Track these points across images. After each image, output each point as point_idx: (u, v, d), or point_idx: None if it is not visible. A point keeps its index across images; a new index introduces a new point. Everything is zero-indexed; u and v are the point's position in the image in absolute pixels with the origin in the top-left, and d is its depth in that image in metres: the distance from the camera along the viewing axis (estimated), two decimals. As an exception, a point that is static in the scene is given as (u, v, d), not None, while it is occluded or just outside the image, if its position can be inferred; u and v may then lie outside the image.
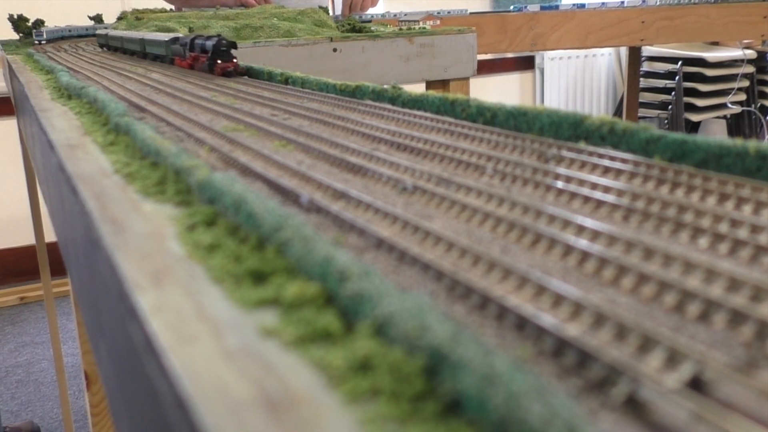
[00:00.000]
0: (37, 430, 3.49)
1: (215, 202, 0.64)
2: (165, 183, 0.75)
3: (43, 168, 1.32)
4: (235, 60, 1.68)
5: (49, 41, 3.79)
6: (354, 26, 3.29)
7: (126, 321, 0.49)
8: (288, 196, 0.71)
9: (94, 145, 1.00)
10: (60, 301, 4.09)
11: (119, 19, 3.76)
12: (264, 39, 2.80)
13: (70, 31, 4.31)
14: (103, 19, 4.38)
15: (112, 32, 3.09)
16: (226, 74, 1.65)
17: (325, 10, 3.54)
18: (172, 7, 4.20)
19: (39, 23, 4.01)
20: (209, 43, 1.69)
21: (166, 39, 2.09)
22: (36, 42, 3.62)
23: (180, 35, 2.04)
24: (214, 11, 3.55)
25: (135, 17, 3.61)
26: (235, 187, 0.62)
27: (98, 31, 3.40)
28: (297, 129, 1.04)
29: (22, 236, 4.97)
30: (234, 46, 1.68)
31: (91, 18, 4.39)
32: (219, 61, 1.66)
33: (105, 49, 3.14)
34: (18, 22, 4.01)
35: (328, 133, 1.00)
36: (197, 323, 0.45)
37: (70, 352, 3.88)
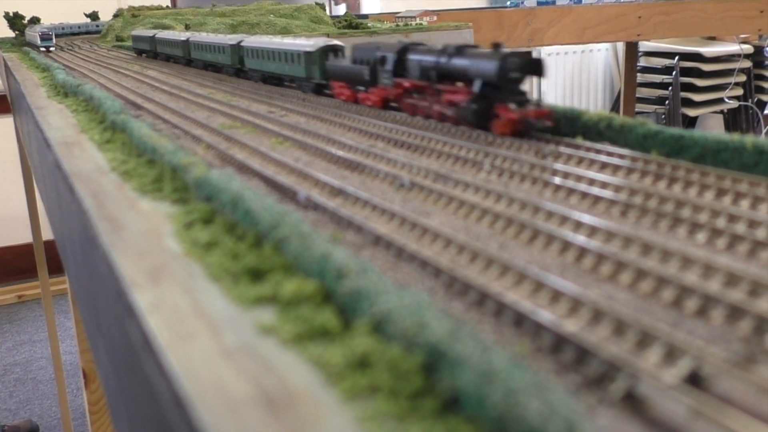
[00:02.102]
0: (35, 428, 3.49)
1: (212, 199, 0.64)
2: (162, 181, 0.75)
3: (40, 166, 1.32)
4: (539, 105, 0.85)
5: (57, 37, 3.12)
6: (351, 22, 3.29)
7: (124, 319, 0.49)
8: (285, 193, 0.71)
9: (91, 142, 1.00)
10: (58, 299, 4.09)
11: (115, 16, 3.75)
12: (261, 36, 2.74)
13: (79, 27, 4.27)
14: (99, 16, 4.38)
15: (162, 35, 2.38)
16: (519, 131, 0.83)
17: (322, 6, 3.54)
18: (169, 3, 4.20)
19: (35, 20, 4.01)
20: (481, 66, 0.87)
21: (311, 49, 1.31)
22: (43, 49, 2.91)
23: (337, 43, 1.31)
24: (211, 8, 3.54)
25: (132, 14, 3.61)
26: (233, 185, 0.62)
27: (134, 33, 2.75)
28: (294, 126, 1.04)
29: (19, 234, 4.97)
30: (537, 68, 0.86)
31: (87, 15, 4.39)
32: (507, 106, 0.84)
33: (144, 55, 2.56)
34: (14, 20, 4.00)
35: (326, 130, 1.00)
36: (195, 321, 0.44)
37: (68, 351, 3.88)
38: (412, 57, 1.02)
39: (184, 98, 1.41)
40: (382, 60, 1.07)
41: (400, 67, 1.04)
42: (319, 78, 1.30)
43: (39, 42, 2.92)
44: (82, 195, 0.74)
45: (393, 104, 1.09)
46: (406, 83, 1.01)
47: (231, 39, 1.73)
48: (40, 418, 3.65)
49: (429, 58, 0.97)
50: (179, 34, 2.21)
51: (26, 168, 3.10)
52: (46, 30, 2.98)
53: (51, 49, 2.91)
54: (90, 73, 2.00)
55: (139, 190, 0.74)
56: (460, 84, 0.94)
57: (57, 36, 3.54)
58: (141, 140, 0.87)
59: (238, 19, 3.30)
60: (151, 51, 2.47)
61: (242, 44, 1.66)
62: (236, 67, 1.72)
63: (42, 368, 4.13)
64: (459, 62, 0.92)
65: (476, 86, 0.87)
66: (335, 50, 1.29)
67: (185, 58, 2.11)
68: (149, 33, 2.51)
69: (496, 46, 0.87)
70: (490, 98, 0.86)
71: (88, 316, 0.81)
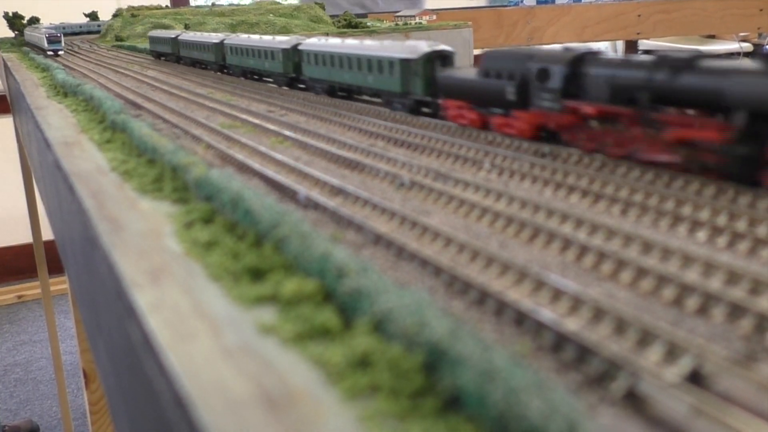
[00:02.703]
0: (36, 428, 3.49)
1: (212, 199, 0.64)
2: (162, 180, 0.75)
3: (40, 166, 1.32)
4: None
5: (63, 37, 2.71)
6: (350, 22, 3.29)
7: (124, 319, 0.49)
8: (285, 192, 0.71)
9: (91, 142, 1.00)
10: (58, 299, 4.09)
11: (115, 15, 3.76)
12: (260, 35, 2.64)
13: (81, 27, 4.25)
14: (99, 16, 4.38)
15: (188, 36, 2.05)
16: None
17: (321, 5, 3.54)
18: (168, 2, 4.20)
19: (34, 21, 4.01)
20: (757, 87, 0.60)
21: (410, 55, 1.03)
22: (50, 53, 2.59)
23: (446, 48, 1.04)
24: (210, 8, 3.55)
25: (131, 14, 3.61)
26: (233, 184, 0.62)
27: (152, 33, 2.49)
28: (294, 125, 1.04)
29: (19, 234, 4.98)
30: None
31: (86, 15, 4.39)
32: None
33: (162, 59, 2.33)
34: (13, 20, 4.00)
35: (325, 129, 1.00)
36: (195, 321, 0.44)
37: (68, 351, 3.88)
38: (597, 71, 0.73)
39: (184, 98, 1.41)
40: (543, 74, 0.78)
41: (573, 85, 0.75)
42: (421, 93, 1.02)
43: (46, 45, 2.60)
44: (82, 195, 0.74)
45: (544, 133, 0.81)
46: (588, 108, 0.72)
47: (283, 42, 1.45)
48: (40, 418, 3.66)
49: (632, 73, 0.69)
50: (210, 36, 1.89)
51: (26, 168, 3.10)
52: (54, 31, 2.65)
53: (60, 52, 2.57)
54: (90, 73, 2.00)
55: (139, 190, 0.74)
56: (681, 112, 0.65)
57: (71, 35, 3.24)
58: (141, 140, 0.87)
59: (238, 19, 3.30)
60: (172, 54, 2.20)
61: (300, 48, 1.37)
62: (290, 75, 1.43)
63: (42, 368, 4.13)
64: (699, 80, 0.63)
65: (739, 119, 0.59)
66: (444, 57, 1.02)
67: (218, 63, 1.81)
68: (170, 34, 2.24)
69: None
70: (762, 137, 0.59)
71: (88, 316, 0.81)
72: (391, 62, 1.07)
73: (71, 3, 4.54)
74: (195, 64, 2.03)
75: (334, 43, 1.28)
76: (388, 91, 1.09)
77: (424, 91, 1.02)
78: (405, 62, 1.04)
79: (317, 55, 1.30)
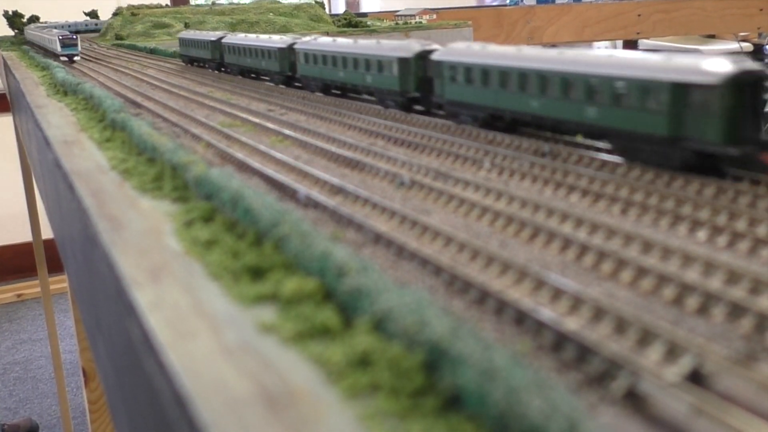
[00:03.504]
0: (35, 427, 3.49)
1: (212, 197, 0.64)
2: (162, 179, 0.75)
3: (40, 164, 1.32)
4: None
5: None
6: (350, 21, 3.29)
7: (124, 317, 0.49)
8: (285, 191, 0.71)
9: (91, 141, 1.00)
10: (57, 298, 4.09)
11: (115, 14, 3.76)
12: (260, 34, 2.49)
13: (85, 26, 4.25)
14: (99, 15, 4.38)
15: (233, 39, 1.69)
16: None
17: (321, 5, 3.54)
18: (168, 1, 4.20)
19: (34, 19, 4.01)
20: None
21: (695, 78, 0.62)
22: (63, 58, 2.20)
23: (755, 67, 0.61)
24: (210, 6, 3.55)
25: (131, 13, 3.61)
26: (233, 183, 0.62)
27: (183, 35, 2.08)
28: (294, 124, 1.04)
29: (19, 233, 4.98)
30: None
31: (86, 14, 4.39)
32: None
33: (195, 65, 1.99)
34: (13, 19, 4.00)
35: (325, 128, 1.00)
36: (195, 319, 0.44)
37: (67, 349, 3.88)
38: None
39: (184, 96, 1.41)
40: None
41: None
42: (720, 141, 0.61)
43: (59, 48, 2.21)
44: (82, 194, 0.74)
45: None
46: None
47: (397, 48, 1.05)
48: (39, 417, 3.65)
49: None
50: (271, 39, 1.50)
51: (25, 166, 3.10)
52: (68, 33, 2.28)
53: (76, 58, 2.19)
54: (90, 72, 2.00)
55: (139, 189, 0.74)
56: None
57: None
58: (141, 139, 0.87)
59: (238, 18, 3.30)
60: (213, 61, 1.83)
61: (434, 58, 0.97)
62: (409, 95, 1.04)
63: (42, 367, 4.13)
64: None
65: None
66: (760, 81, 0.62)
67: (283, 74, 1.44)
68: (210, 36, 1.85)
69: None
70: None
71: (88, 315, 0.81)
72: (646, 87, 0.66)
73: (71, 2, 4.54)
74: (243, 72, 1.68)
75: (497, 52, 0.87)
76: (632, 132, 0.68)
77: (725, 138, 0.61)
78: (683, 89, 0.63)
79: (470, 69, 0.89)
